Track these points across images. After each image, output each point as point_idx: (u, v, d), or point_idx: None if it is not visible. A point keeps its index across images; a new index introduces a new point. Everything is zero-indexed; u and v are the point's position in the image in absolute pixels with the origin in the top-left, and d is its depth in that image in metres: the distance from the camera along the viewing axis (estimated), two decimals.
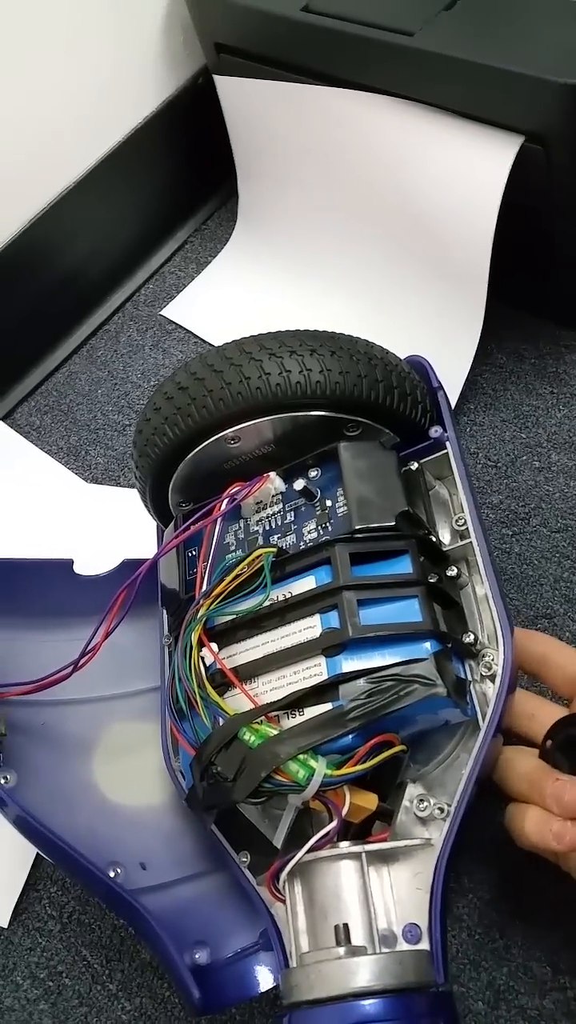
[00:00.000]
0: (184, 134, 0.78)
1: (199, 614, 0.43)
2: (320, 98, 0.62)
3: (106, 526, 0.65)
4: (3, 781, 0.41)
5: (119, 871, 0.43)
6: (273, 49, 0.64)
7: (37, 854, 0.54)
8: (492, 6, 0.55)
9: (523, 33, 0.53)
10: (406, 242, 0.65)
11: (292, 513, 0.45)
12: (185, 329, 0.76)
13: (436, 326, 0.64)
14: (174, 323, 0.77)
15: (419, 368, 0.50)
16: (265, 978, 0.40)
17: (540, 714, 0.41)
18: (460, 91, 0.55)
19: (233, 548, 0.46)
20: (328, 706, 0.38)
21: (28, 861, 0.54)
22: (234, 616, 0.43)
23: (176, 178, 0.80)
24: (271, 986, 0.39)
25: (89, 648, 0.44)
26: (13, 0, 0.60)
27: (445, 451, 0.47)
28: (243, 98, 0.69)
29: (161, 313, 0.78)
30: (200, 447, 0.45)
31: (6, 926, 0.52)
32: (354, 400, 0.45)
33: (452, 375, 0.62)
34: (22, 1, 0.60)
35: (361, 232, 0.68)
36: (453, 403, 0.63)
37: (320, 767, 0.37)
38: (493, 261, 0.59)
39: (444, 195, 0.59)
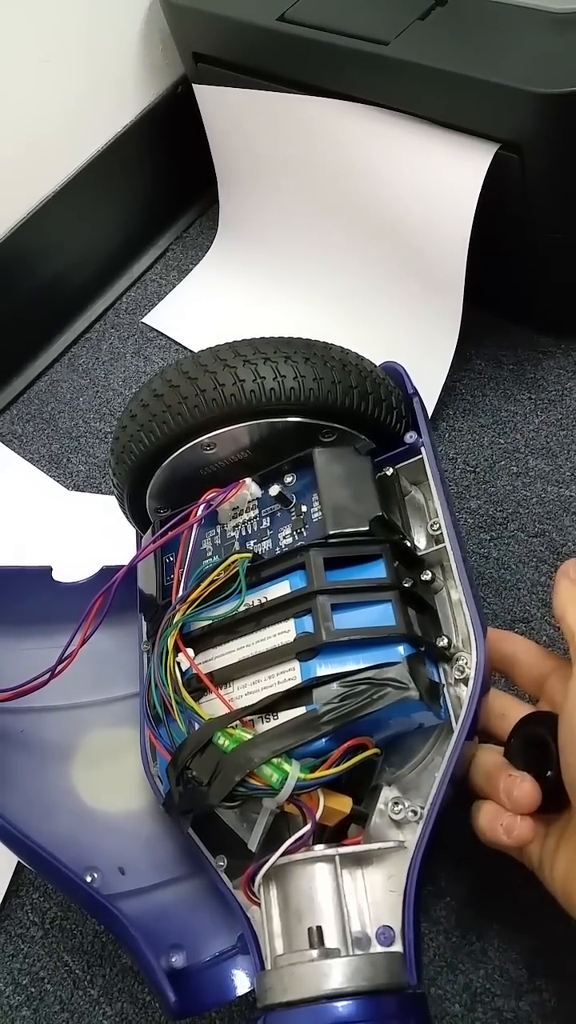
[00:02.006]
0: (164, 142, 0.78)
1: (175, 619, 0.43)
2: (297, 106, 0.63)
3: (86, 533, 0.65)
4: None
5: (96, 876, 0.43)
6: (250, 58, 0.65)
7: (19, 861, 0.54)
8: (466, 16, 0.56)
9: (497, 42, 0.54)
10: (384, 249, 0.66)
11: (268, 519, 0.45)
12: (167, 336, 0.77)
13: (414, 332, 0.65)
14: (156, 330, 0.77)
15: (394, 374, 0.50)
16: (242, 982, 0.40)
17: (510, 713, 0.41)
18: (435, 99, 0.56)
19: (210, 554, 0.46)
20: (302, 710, 0.38)
21: (10, 867, 0.54)
22: (210, 621, 0.43)
23: (157, 186, 0.80)
24: (248, 990, 0.39)
25: (66, 655, 0.44)
26: None
27: (420, 456, 0.47)
28: (222, 107, 0.70)
29: (143, 320, 0.78)
30: (176, 453, 0.46)
31: None
32: (328, 406, 0.45)
33: (430, 381, 0.63)
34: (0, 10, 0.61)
35: (340, 239, 0.69)
36: (431, 409, 0.64)
37: (294, 771, 0.37)
38: (470, 267, 0.59)
39: (420, 202, 0.59)
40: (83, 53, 0.68)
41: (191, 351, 0.74)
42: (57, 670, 0.44)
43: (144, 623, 0.50)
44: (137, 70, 0.73)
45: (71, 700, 0.52)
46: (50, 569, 0.53)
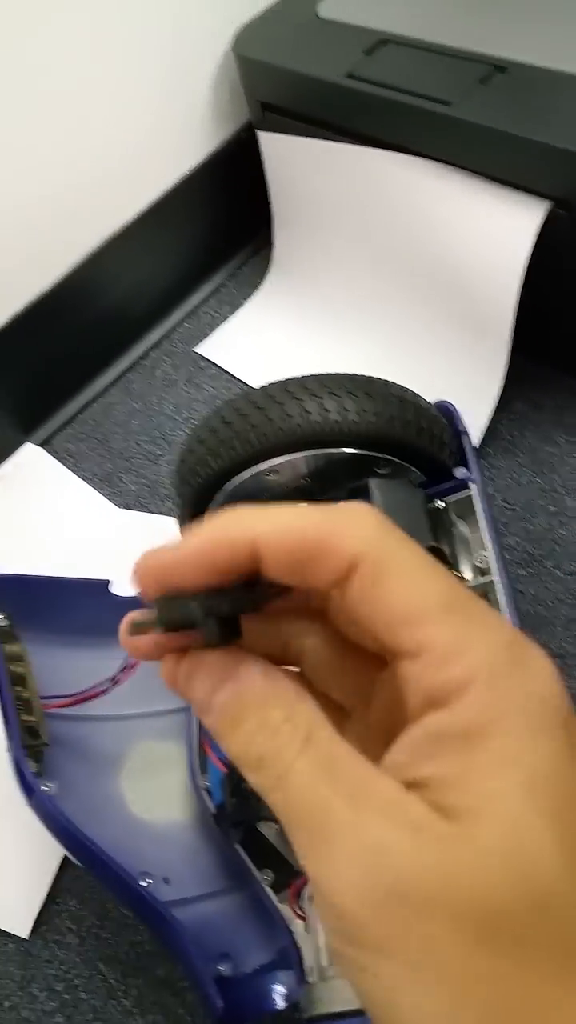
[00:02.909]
0: (225, 184, 0.82)
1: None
2: (359, 157, 0.66)
3: (137, 550, 0.67)
4: (46, 789, 0.43)
5: (150, 881, 0.45)
6: (316, 110, 0.68)
7: (59, 867, 0.55)
8: (524, 82, 0.59)
9: (552, 107, 0.57)
10: (434, 296, 0.68)
11: None
12: (217, 366, 0.80)
13: (459, 374, 0.67)
14: (207, 360, 0.80)
15: (446, 412, 0.53)
16: (283, 995, 0.41)
17: None
18: (492, 157, 0.59)
19: None
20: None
21: (50, 874, 0.55)
22: None
23: (215, 225, 0.84)
24: (289, 1003, 0.40)
25: (128, 664, 0.46)
26: (75, 54, 0.63)
27: (469, 492, 0.49)
28: (285, 154, 0.73)
29: (195, 350, 0.81)
30: (240, 478, 0.48)
31: (26, 937, 0.54)
32: (387, 439, 0.47)
33: (473, 420, 0.65)
34: (83, 56, 0.64)
35: (391, 284, 0.72)
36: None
37: None
38: (516, 316, 0.62)
39: (473, 253, 0.62)
40: (158, 98, 0.72)
41: (240, 380, 0.77)
42: (119, 679, 0.46)
43: None
44: (205, 116, 0.77)
45: (121, 711, 0.54)
46: (107, 582, 0.55)
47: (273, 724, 0.21)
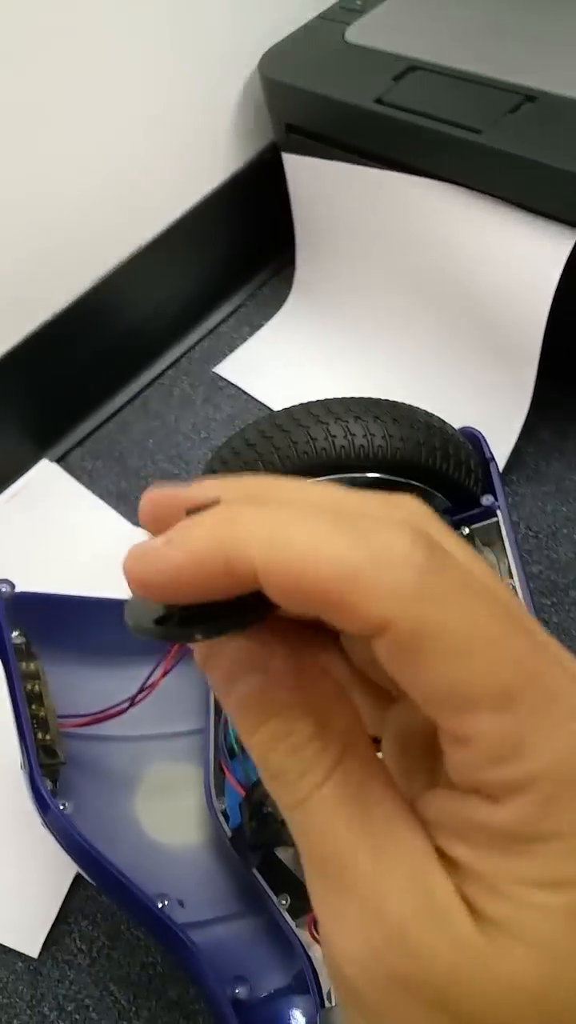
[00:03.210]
0: (247, 204, 0.82)
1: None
2: (385, 182, 0.66)
3: None
4: (63, 807, 0.42)
5: (166, 903, 0.44)
6: (343, 134, 0.68)
7: (69, 888, 0.55)
8: (553, 112, 0.59)
9: None
10: (460, 321, 0.68)
11: None
12: (236, 386, 0.80)
13: (485, 401, 0.67)
14: (225, 380, 0.80)
15: (472, 439, 0.53)
16: (298, 1019, 0.41)
17: None
18: (522, 186, 0.59)
19: None
20: (380, 753, 0.39)
21: (61, 893, 0.55)
22: None
23: (237, 245, 0.84)
24: None
25: (147, 685, 0.46)
26: (99, 74, 0.64)
27: (495, 519, 0.49)
28: (309, 176, 0.73)
29: (214, 370, 0.81)
30: None
31: (36, 957, 0.53)
32: (413, 465, 0.47)
33: (498, 447, 0.65)
34: (108, 76, 0.64)
35: (415, 308, 0.72)
36: None
37: None
38: (545, 342, 0.62)
39: (501, 280, 0.62)
40: (183, 117, 0.72)
41: (258, 400, 0.77)
42: (138, 699, 0.46)
43: None
44: (230, 136, 0.77)
45: (137, 732, 0.53)
46: (125, 602, 0.55)
47: (299, 738, 0.18)
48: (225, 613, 0.18)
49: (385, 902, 0.17)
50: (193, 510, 0.19)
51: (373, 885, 0.17)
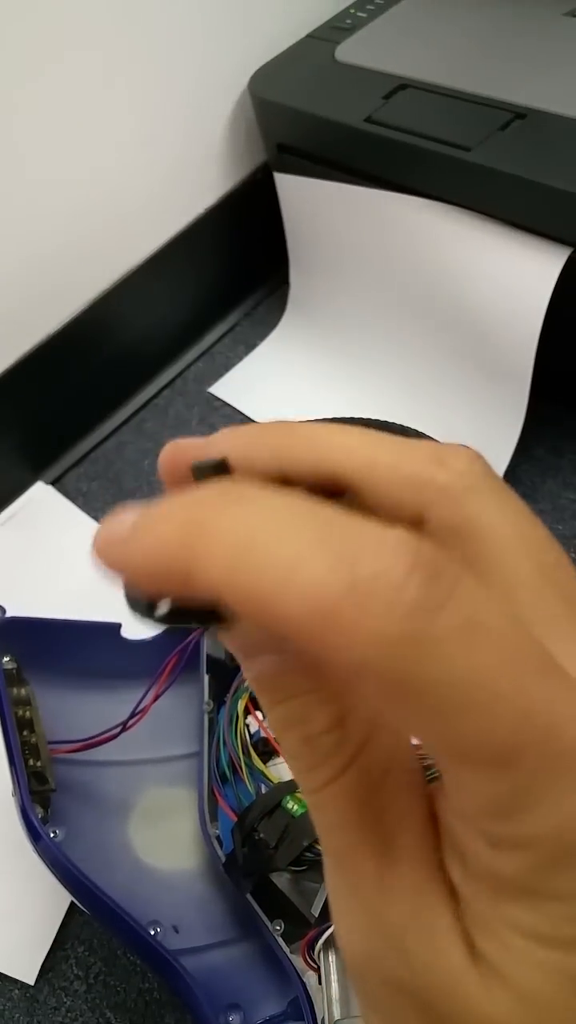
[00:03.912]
0: (240, 224, 0.82)
1: (246, 683, 0.45)
2: (376, 201, 0.66)
3: None
4: (53, 835, 0.42)
5: (159, 930, 0.44)
6: (334, 153, 0.68)
7: (65, 913, 0.54)
8: (543, 129, 0.59)
9: (572, 154, 0.57)
10: (452, 340, 0.68)
11: None
12: (231, 407, 0.80)
13: (478, 419, 0.67)
14: (221, 400, 0.80)
15: None
16: None
17: None
18: (512, 204, 0.59)
19: None
20: None
21: (57, 919, 0.54)
22: None
23: (230, 265, 0.84)
24: None
25: (139, 709, 0.46)
26: (90, 93, 0.64)
27: None
28: (301, 196, 0.73)
29: (209, 390, 0.81)
30: None
31: (32, 984, 0.53)
32: None
33: (493, 466, 0.65)
34: (98, 95, 0.65)
35: (408, 327, 0.72)
36: None
37: None
38: (537, 361, 0.62)
39: (493, 298, 0.62)
40: (173, 137, 0.73)
41: (253, 421, 0.77)
42: (130, 724, 0.46)
43: (207, 682, 0.51)
44: (221, 155, 0.78)
45: (130, 756, 0.53)
46: (119, 626, 0.55)
47: (313, 728, 0.16)
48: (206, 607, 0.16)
49: (386, 911, 0.16)
50: (198, 468, 0.17)
51: (376, 892, 0.16)
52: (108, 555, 0.16)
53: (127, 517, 0.16)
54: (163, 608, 0.16)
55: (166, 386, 0.82)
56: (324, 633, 0.13)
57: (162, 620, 0.16)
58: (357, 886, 0.17)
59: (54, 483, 0.76)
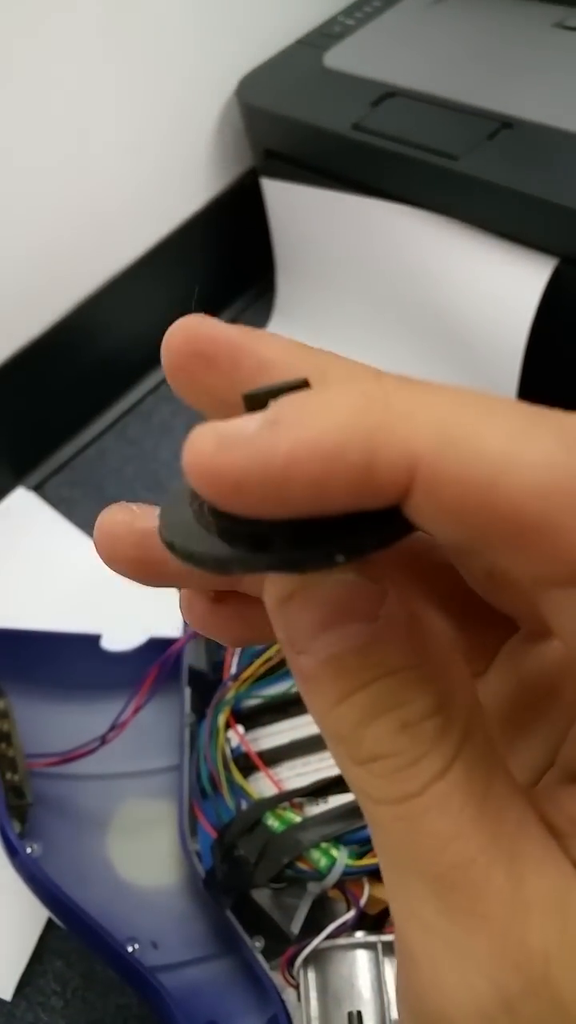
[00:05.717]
0: (227, 229, 0.82)
1: (227, 696, 0.44)
2: (363, 208, 0.66)
3: (131, 602, 0.66)
4: (30, 851, 0.42)
5: (136, 947, 0.43)
6: (322, 160, 0.68)
7: (44, 927, 0.54)
8: (530, 139, 0.59)
9: (559, 165, 0.57)
10: (439, 349, 0.68)
11: None
12: None
13: None
14: None
15: None
16: None
17: None
18: (499, 213, 0.59)
19: None
20: (352, 796, 0.39)
21: (35, 934, 0.53)
22: (262, 700, 0.44)
23: (216, 270, 0.84)
24: None
25: (119, 723, 0.45)
26: (76, 96, 0.64)
27: None
28: (289, 201, 0.73)
29: None
30: None
31: (9, 999, 0.52)
32: None
33: None
34: (84, 98, 0.64)
35: (394, 335, 0.71)
36: None
37: (342, 857, 0.38)
38: (523, 371, 0.62)
39: (479, 308, 0.62)
40: (160, 142, 0.72)
41: None
42: (109, 737, 0.45)
43: (188, 695, 0.51)
44: (209, 161, 0.77)
45: (109, 769, 0.52)
46: (98, 637, 0.54)
47: (414, 711, 0.13)
48: (351, 529, 0.12)
49: (528, 935, 0.13)
50: (255, 396, 0.13)
51: (511, 912, 0.13)
52: (233, 454, 0.12)
53: (239, 421, 0.13)
54: (281, 538, 0.12)
55: (150, 392, 0.82)
56: (564, 522, 0.11)
57: (289, 554, 0.12)
58: (484, 912, 0.13)
59: (36, 489, 0.75)
